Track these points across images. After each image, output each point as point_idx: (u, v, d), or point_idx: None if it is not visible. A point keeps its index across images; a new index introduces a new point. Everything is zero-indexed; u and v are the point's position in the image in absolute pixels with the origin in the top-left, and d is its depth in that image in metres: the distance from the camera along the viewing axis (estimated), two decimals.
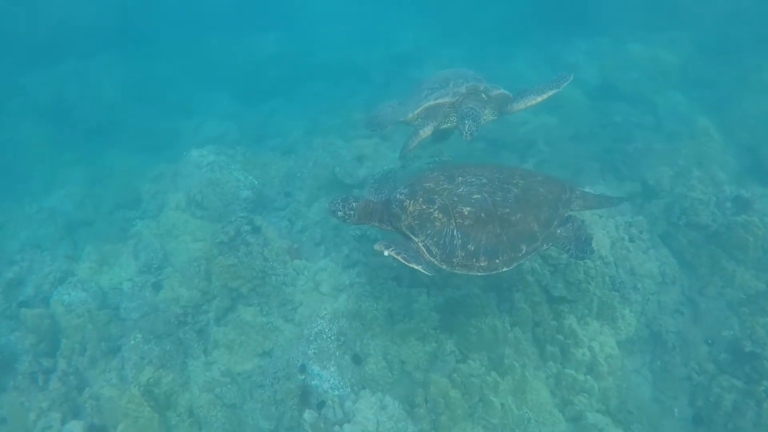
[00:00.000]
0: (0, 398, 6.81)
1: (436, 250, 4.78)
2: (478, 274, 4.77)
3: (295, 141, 11.93)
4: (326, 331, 6.88)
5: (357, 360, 6.90)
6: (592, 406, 6.80)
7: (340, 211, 5.18)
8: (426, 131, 7.02)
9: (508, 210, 4.85)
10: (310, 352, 6.79)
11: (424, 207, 4.86)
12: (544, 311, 7.28)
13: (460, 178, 5.13)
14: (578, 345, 6.90)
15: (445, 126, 7.09)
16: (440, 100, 6.87)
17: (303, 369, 6.75)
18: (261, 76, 16.11)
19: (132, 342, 7.05)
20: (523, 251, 4.86)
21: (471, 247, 4.72)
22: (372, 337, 7.10)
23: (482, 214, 4.79)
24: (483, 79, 7.04)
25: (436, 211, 4.82)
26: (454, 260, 4.76)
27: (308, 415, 5.93)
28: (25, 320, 7.21)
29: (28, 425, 6.49)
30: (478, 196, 4.90)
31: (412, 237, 4.86)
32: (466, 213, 4.78)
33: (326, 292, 7.90)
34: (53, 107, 14.31)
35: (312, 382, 6.59)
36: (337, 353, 6.84)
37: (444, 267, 4.81)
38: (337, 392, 6.42)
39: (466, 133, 6.41)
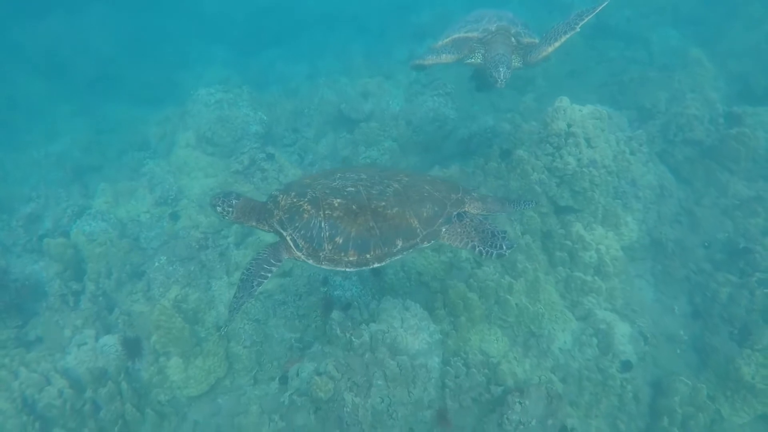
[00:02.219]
0: (33, 321, 7.06)
1: (302, 243, 4.43)
2: (347, 269, 4.41)
3: (299, 84, 12.09)
4: None
5: (376, 272, 7.20)
6: (600, 305, 7.20)
7: (219, 206, 4.83)
8: (448, 57, 6.83)
9: (384, 203, 4.51)
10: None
11: (295, 200, 4.55)
12: (551, 221, 7.63)
13: (339, 174, 4.85)
14: (586, 248, 7.26)
15: (469, 61, 6.89)
16: (469, 34, 6.75)
17: (325, 281, 7.04)
18: (257, 27, 16.09)
19: (157, 264, 7.29)
20: (399, 247, 4.47)
21: (339, 240, 4.38)
22: None
23: (353, 206, 4.45)
24: (520, 23, 6.77)
25: (306, 203, 4.49)
26: (321, 254, 4.40)
27: (336, 315, 6.24)
28: (48, 250, 7.40)
29: (63, 341, 6.75)
30: (352, 189, 4.59)
31: (282, 231, 4.52)
32: (336, 204, 4.45)
33: None
34: (47, 61, 14.23)
35: (334, 293, 6.89)
36: None
37: (311, 262, 4.45)
38: (360, 299, 6.73)
39: (501, 80, 6.21)
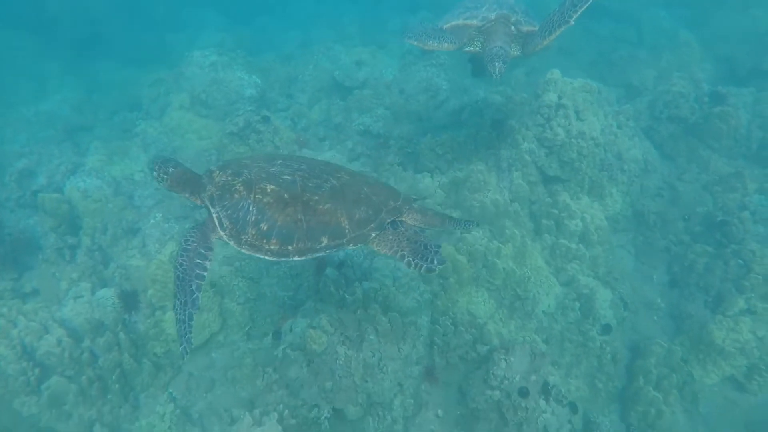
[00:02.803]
0: (29, 274, 7.14)
1: (227, 223, 4.30)
2: (266, 257, 4.30)
3: (292, 52, 12.09)
4: None
5: None
6: (583, 271, 7.48)
7: (155, 171, 4.64)
8: (449, 46, 6.58)
9: (317, 198, 4.39)
10: None
11: (230, 178, 4.40)
12: (539, 190, 7.86)
13: (281, 161, 4.73)
14: (571, 217, 7.51)
15: (468, 48, 6.72)
16: (468, 21, 6.54)
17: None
18: None
19: (152, 221, 7.39)
20: (323, 244, 4.35)
21: (264, 227, 4.27)
22: None
23: (285, 195, 4.33)
24: (520, 10, 6.56)
25: (240, 184, 4.34)
26: (243, 237, 4.27)
27: (330, 272, 6.42)
28: (43, 204, 7.44)
29: (60, 294, 6.86)
30: (289, 177, 4.46)
31: (210, 208, 4.37)
32: (268, 190, 4.31)
33: None
34: (36, 17, 13.99)
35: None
36: None
37: (232, 243, 4.34)
38: (353, 258, 6.91)
39: (496, 75, 6.11)
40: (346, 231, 4.43)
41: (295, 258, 4.33)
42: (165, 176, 4.65)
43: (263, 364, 6.28)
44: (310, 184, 4.47)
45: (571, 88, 8.07)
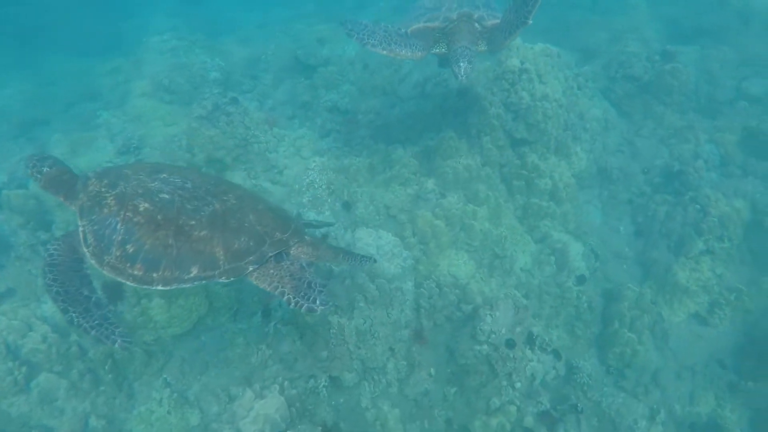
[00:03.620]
0: (1, 274, 6.98)
1: (92, 239, 4.02)
2: (129, 283, 4.02)
3: (251, 33, 11.99)
4: (317, 180, 7.43)
5: (347, 206, 7.52)
6: (555, 227, 7.82)
7: (29, 168, 4.38)
8: (417, 55, 6.31)
9: (193, 222, 4.08)
10: (304, 200, 7.34)
11: (103, 189, 4.12)
12: (508, 153, 8.12)
13: (165, 175, 4.37)
14: (541, 176, 7.81)
15: (435, 51, 6.53)
16: (430, 24, 6.32)
17: (299, 217, 7.29)
18: None
19: None
20: (192, 275, 4.05)
21: (130, 249, 3.97)
22: (358, 186, 7.72)
23: (159, 216, 4.03)
24: (482, 5, 6.37)
25: (112, 198, 4.05)
26: (106, 258, 3.98)
27: None
28: (8, 202, 7.23)
29: (38, 291, 6.75)
30: (167, 196, 4.14)
31: (78, 220, 4.11)
32: (141, 209, 4.01)
33: (308, 156, 8.39)
34: None
35: (308, 230, 7.14)
36: (329, 200, 7.43)
37: (93, 263, 4.06)
38: (336, 231, 7.05)
39: (462, 75, 5.93)
40: (221, 262, 4.13)
41: (159, 287, 4.04)
42: (39, 175, 4.41)
43: (255, 341, 6.39)
44: (188, 207, 4.16)
45: (533, 53, 8.33)
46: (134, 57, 10.17)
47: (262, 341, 6.28)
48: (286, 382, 5.71)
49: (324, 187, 7.40)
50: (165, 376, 6.24)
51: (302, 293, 4.21)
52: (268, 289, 4.30)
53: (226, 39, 11.73)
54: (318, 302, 4.16)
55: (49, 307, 6.46)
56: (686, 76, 9.37)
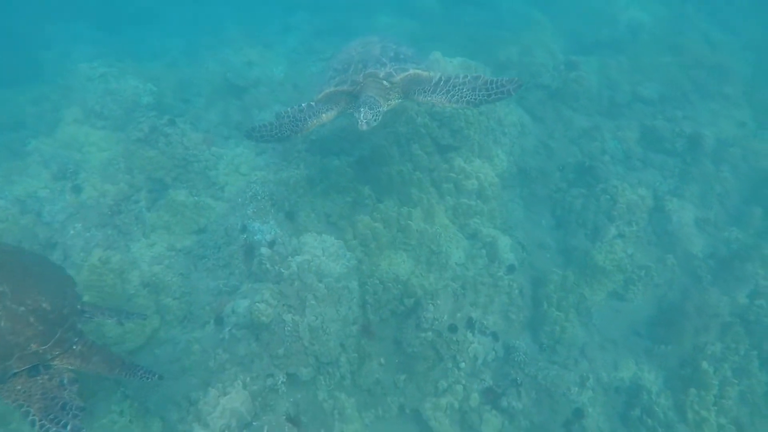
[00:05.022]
0: None
1: None
2: None
3: (176, 59, 12.18)
4: (260, 192, 7.75)
5: (290, 216, 7.89)
6: (484, 224, 8.47)
7: None
8: (329, 116, 6.61)
9: None
10: (249, 212, 7.63)
11: None
12: (436, 159, 8.75)
13: None
14: (468, 177, 8.47)
15: (350, 111, 6.58)
16: (338, 88, 6.48)
17: (244, 229, 7.59)
18: (120, 3, 15.53)
19: (72, 232, 7.38)
20: None
21: None
22: (298, 197, 8.09)
23: None
24: (389, 58, 6.49)
25: None
26: None
27: (264, 251, 6.85)
28: None
29: None
30: None
31: None
32: None
33: (246, 173, 8.70)
34: None
35: (255, 237, 7.45)
36: (272, 210, 7.77)
37: None
38: (282, 238, 7.38)
39: (361, 121, 5.89)
40: None
41: None
42: None
43: (211, 347, 6.59)
44: None
45: (452, 66, 9.08)
46: (62, 84, 10.14)
47: (218, 346, 6.49)
48: (248, 379, 5.96)
49: (267, 198, 7.74)
50: (122, 389, 6.33)
51: (51, 416, 3.83)
52: (13, 406, 3.89)
53: (154, 65, 11.88)
54: (69, 427, 3.83)
55: None
56: (589, 82, 10.45)
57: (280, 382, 6.26)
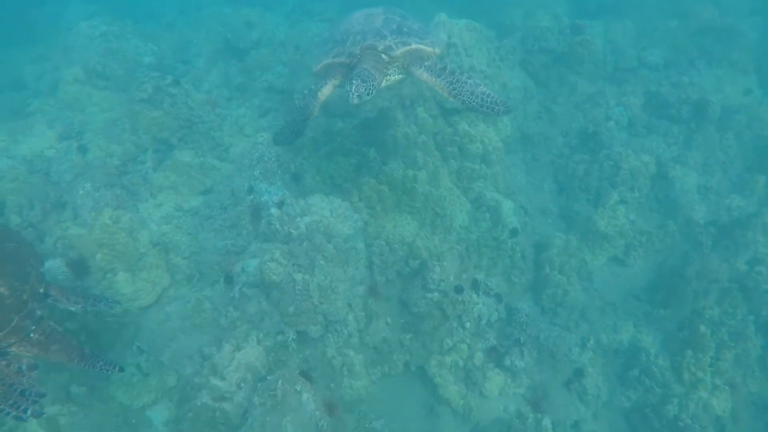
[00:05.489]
0: None
1: None
2: None
3: (174, 18, 12.02)
4: (266, 154, 7.77)
5: (296, 177, 7.94)
6: (487, 188, 8.55)
7: None
8: (325, 92, 6.46)
9: None
10: (256, 173, 7.67)
11: None
12: (441, 122, 8.76)
13: None
14: (472, 141, 8.49)
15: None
16: (336, 59, 6.25)
17: (251, 190, 7.63)
18: None
19: (81, 191, 7.41)
20: None
21: None
22: (303, 158, 8.13)
23: None
24: (390, 30, 6.22)
25: None
26: None
27: (274, 211, 6.91)
28: None
29: None
30: None
31: None
32: None
33: (250, 134, 8.72)
34: None
35: (262, 198, 7.50)
36: (279, 171, 7.82)
37: None
38: (290, 198, 7.43)
39: (352, 94, 5.59)
40: None
41: None
42: None
43: (221, 305, 6.73)
44: None
45: (458, 28, 8.99)
46: (61, 43, 10.01)
47: (229, 304, 6.62)
48: (261, 335, 6.11)
49: (273, 160, 7.77)
50: (137, 344, 6.47)
51: (10, 401, 3.84)
52: None
53: (152, 25, 11.73)
54: (29, 412, 3.84)
55: None
56: (594, 47, 10.37)
57: (290, 339, 6.41)
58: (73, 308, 4.87)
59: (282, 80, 9.88)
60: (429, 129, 8.61)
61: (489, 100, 6.43)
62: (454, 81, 6.33)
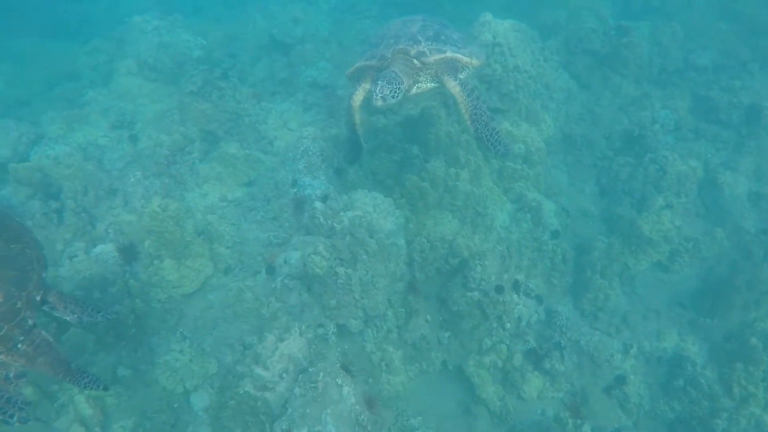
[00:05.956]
0: None
1: None
2: None
3: (220, 13, 12.27)
4: (311, 148, 7.88)
5: (339, 172, 8.01)
6: (529, 188, 8.49)
7: None
8: (357, 98, 6.31)
9: None
10: (300, 167, 7.79)
11: None
12: None
13: None
14: (514, 141, 8.45)
15: None
16: (368, 62, 6.10)
17: (295, 183, 7.74)
18: None
19: (132, 179, 7.63)
20: None
21: None
22: (347, 153, 8.17)
23: None
24: (425, 37, 5.98)
25: None
26: None
27: (318, 205, 7.00)
28: (16, 174, 7.43)
29: (55, 255, 7.01)
30: None
31: None
32: None
33: (294, 129, 8.83)
34: None
35: (305, 192, 7.60)
36: (323, 166, 7.91)
37: None
38: (334, 193, 7.51)
39: (376, 95, 5.40)
40: None
41: None
42: None
43: (263, 295, 6.83)
44: None
45: (503, 28, 8.95)
46: (116, 37, 10.32)
47: (271, 295, 6.72)
48: (303, 327, 6.19)
49: (317, 154, 7.87)
50: (181, 330, 6.63)
51: None
52: None
53: (199, 19, 11.99)
54: (15, 418, 3.85)
55: (67, 269, 6.75)
56: (640, 48, 10.21)
57: (330, 332, 6.48)
58: (68, 318, 4.71)
59: (325, 75, 9.98)
60: (470, 128, 8.58)
61: (496, 137, 6.25)
62: (478, 106, 6.13)
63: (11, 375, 3.94)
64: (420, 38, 5.93)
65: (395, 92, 5.47)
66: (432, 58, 5.82)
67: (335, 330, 6.54)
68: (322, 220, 6.90)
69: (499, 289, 6.83)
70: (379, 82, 5.42)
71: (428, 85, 6.17)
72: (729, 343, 7.20)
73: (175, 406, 6.42)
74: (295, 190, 7.69)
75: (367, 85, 6.15)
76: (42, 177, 7.52)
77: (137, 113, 8.91)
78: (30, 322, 4.17)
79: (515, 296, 7.02)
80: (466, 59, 6.09)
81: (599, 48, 10.33)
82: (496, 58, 8.71)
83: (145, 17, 10.06)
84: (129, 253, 6.75)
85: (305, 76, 9.91)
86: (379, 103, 5.42)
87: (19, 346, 3.97)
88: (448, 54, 5.90)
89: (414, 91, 6.09)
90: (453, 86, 5.99)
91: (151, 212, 6.87)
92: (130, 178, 7.62)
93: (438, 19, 6.70)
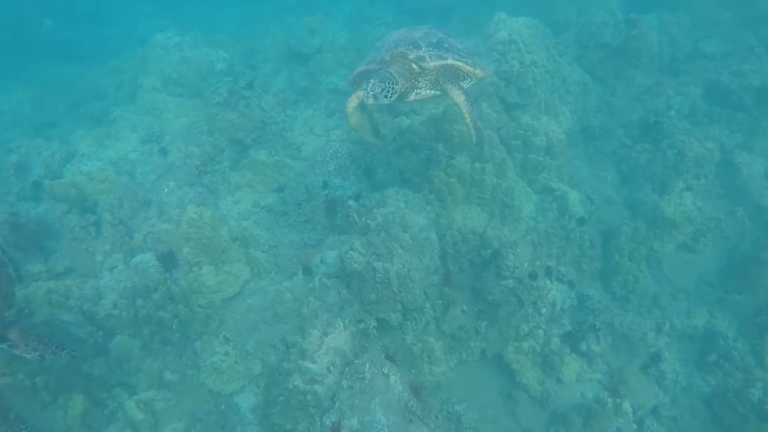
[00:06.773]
0: (54, 256, 7.40)
1: None
2: None
3: (237, 28, 12.54)
4: (340, 150, 8.09)
5: (368, 172, 8.21)
6: (552, 179, 8.67)
7: None
8: (352, 101, 6.15)
9: None
10: (330, 168, 8.00)
11: None
12: (504, 117, 8.94)
13: None
14: (536, 134, 8.65)
15: None
16: (368, 67, 5.99)
17: (326, 185, 7.93)
18: None
19: (166, 190, 7.84)
20: None
21: None
22: (373, 155, 8.40)
23: None
24: (427, 43, 5.83)
25: None
26: None
27: (352, 203, 7.18)
28: (51, 191, 7.68)
29: (95, 267, 7.21)
30: None
31: None
32: None
33: (320, 134, 9.04)
34: None
35: (337, 193, 7.79)
36: (352, 167, 8.12)
37: None
38: (365, 192, 7.70)
39: (367, 93, 5.24)
40: None
41: None
42: None
43: (302, 295, 6.99)
44: None
45: (518, 25, 9.17)
46: (140, 55, 10.60)
47: (310, 294, 6.87)
48: (346, 320, 6.35)
49: (346, 155, 8.07)
50: (224, 333, 6.80)
51: None
52: None
53: (218, 35, 12.25)
54: None
55: (108, 280, 6.94)
56: (650, 39, 10.42)
57: (371, 326, 6.62)
58: (28, 356, 4.56)
59: (345, 82, 10.21)
60: (493, 124, 8.80)
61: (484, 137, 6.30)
62: (476, 116, 6.07)
63: None
64: (421, 44, 5.81)
65: (387, 91, 5.32)
66: (432, 64, 5.69)
67: (375, 324, 6.68)
68: (356, 218, 7.08)
69: (533, 276, 6.97)
70: (372, 81, 5.29)
71: (429, 92, 6.05)
72: (758, 316, 7.31)
73: (222, 407, 6.57)
74: (327, 191, 7.87)
75: (362, 92, 5.82)
76: (77, 192, 7.75)
77: (165, 127, 9.15)
78: None
79: (548, 282, 7.15)
80: (468, 68, 5.94)
81: (610, 41, 10.54)
82: (513, 55, 8.92)
83: (166, 34, 10.35)
84: (168, 260, 6.93)
85: (326, 83, 10.17)
86: (370, 101, 5.28)
87: (13, 329, 4.05)
88: (449, 61, 5.75)
89: (413, 97, 6.01)
90: (457, 95, 5.88)
91: (188, 220, 7.08)
92: (163, 189, 7.83)
93: (444, 29, 6.61)
